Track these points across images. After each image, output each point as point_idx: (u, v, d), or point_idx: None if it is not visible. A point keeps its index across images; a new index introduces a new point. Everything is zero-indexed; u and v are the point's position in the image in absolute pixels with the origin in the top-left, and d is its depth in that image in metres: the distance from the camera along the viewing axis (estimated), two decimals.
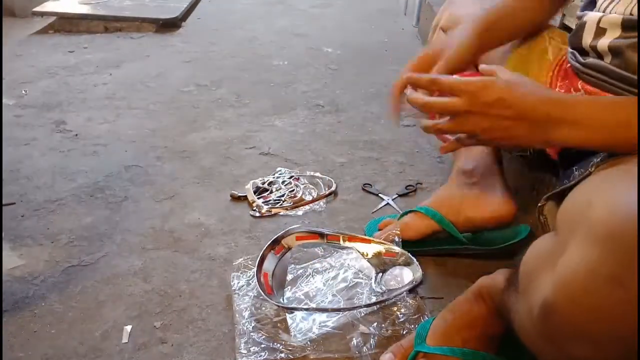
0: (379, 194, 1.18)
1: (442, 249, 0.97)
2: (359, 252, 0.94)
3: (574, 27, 0.80)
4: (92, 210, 1.12)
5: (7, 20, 2.42)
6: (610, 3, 0.71)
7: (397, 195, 1.17)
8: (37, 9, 2.37)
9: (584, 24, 0.75)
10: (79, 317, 0.85)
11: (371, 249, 0.94)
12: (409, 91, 0.72)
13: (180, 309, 0.87)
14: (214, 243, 1.03)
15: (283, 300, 0.87)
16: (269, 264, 0.90)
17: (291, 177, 1.24)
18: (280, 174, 1.25)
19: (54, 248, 1.00)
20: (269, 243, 0.92)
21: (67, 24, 2.36)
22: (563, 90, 0.82)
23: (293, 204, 1.14)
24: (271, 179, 1.23)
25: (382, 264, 0.92)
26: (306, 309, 0.85)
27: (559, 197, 0.63)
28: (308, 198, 1.16)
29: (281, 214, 1.12)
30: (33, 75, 1.85)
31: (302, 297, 0.88)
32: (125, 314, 0.85)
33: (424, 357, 0.71)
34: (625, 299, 0.39)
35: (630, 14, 0.67)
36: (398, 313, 0.85)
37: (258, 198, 1.15)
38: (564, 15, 1.76)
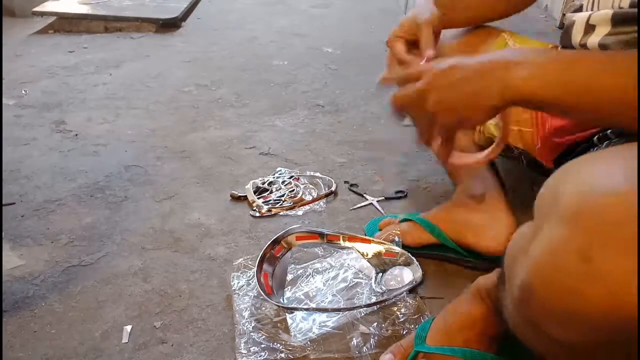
0: (364, 194, 1.18)
1: (441, 254, 0.97)
2: (359, 252, 0.94)
3: (563, 30, 0.80)
4: (92, 210, 1.12)
5: (7, 20, 2.42)
6: (594, 3, 0.71)
7: (383, 198, 1.17)
8: (37, 9, 2.37)
9: (573, 23, 0.75)
10: (79, 317, 0.85)
11: (371, 249, 0.94)
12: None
13: (180, 309, 0.87)
14: (214, 243, 1.03)
15: (283, 300, 0.87)
16: (269, 264, 0.90)
17: (291, 177, 1.24)
18: (280, 174, 1.25)
19: (54, 248, 1.00)
20: (269, 243, 0.92)
21: (67, 24, 2.36)
22: None
23: (293, 204, 1.14)
24: (271, 179, 1.23)
25: (382, 264, 0.92)
26: (306, 309, 0.85)
27: None
28: (308, 198, 1.17)
29: (281, 214, 1.12)
30: (33, 75, 1.85)
31: (302, 297, 0.88)
32: (125, 314, 0.85)
33: (424, 358, 0.71)
34: (591, 274, 0.39)
35: (620, 7, 0.67)
36: (398, 313, 0.85)
37: (258, 198, 1.15)
38: (563, 15, 1.76)
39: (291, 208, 1.13)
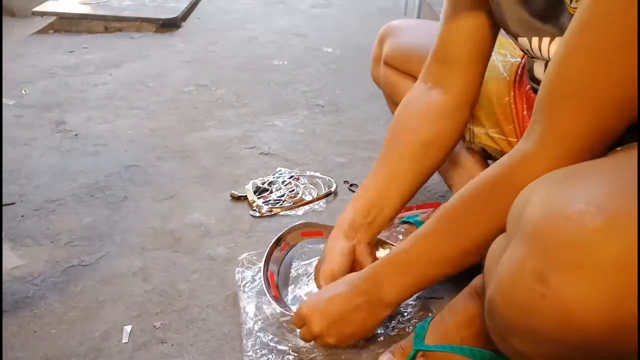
0: None
1: None
2: None
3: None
4: (92, 210, 1.12)
5: (7, 20, 2.42)
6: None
7: None
8: (37, 8, 2.37)
9: (533, 65, 0.74)
10: (79, 317, 0.85)
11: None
12: None
13: (180, 309, 0.87)
14: (214, 243, 1.03)
15: (287, 300, 0.87)
16: (275, 262, 0.89)
17: (291, 177, 1.24)
18: (280, 174, 1.25)
19: (54, 248, 1.00)
20: (274, 240, 0.91)
21: (67, 24, 2.36)
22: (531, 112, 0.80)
23: (293, 204, 1.14)
24: (271, 179, 1.23)
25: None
26: None
27: None
28: (308, 198, 1.17)
29: (281, 214, 1.12)
30: (33, 75, 1.85)
31: (304, 296, 0.88)
32: (125, 314, 0.85)
33: (423, 356, 0.71)
34: (547, 295, 0.40)
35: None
36: (403, 311, 0.84)
37: (258, 198, 1.15)
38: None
39: (291, 208, 1.13)
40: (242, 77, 1.88)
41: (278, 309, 0.80)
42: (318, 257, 0.94)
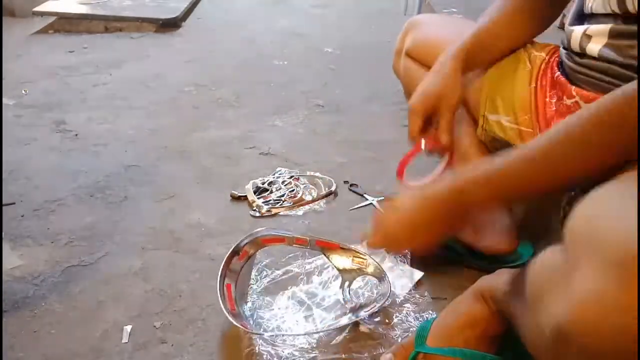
0: (364, 194, 1.18)
1: (442, 256, 0.97)
2: (326, 257, 0.90)
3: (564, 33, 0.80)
4: (92, 210, 1.11)
5: (7, 20, 2.42)
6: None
7: (383, 197, 1.16)
8: (37, 9, 2.37)
9: (571, 32, 0.75)
10: (79, 317, 0.85)
11: (339, 254, 0.89)
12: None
13: (180, 309, 0.86)
14: (214, 243, 1.02)
15: (245, 310, 0.84)
16: (232, 274, 0.86)
17: (291, 177, 1.24)
18: (280, 174, 1.25)
19: (54, 248, 1.00)
20: (232, 249, 0.87)
21: (67, 24, 2.36)
22: (554, 101, 0.81)
23: (293, 204, 1.14)
24: (271, 179, 1.23)
25: (350, 271, 0.89)
26: (274, 335, 0.80)
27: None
28: (308, 198, 1.16)
29: (281, 214, 1.12)
30: (33, 75, 1.84)
31: (302, 295, 0.88)
32: (125, 314, 0.85)
33: (424, 358, 0.71)
34: (636, 329, 0.38)
35: (612, 11, 0.67)
36: (406, 312, 0.84)
37: (258, 198, 1.15)
38: (564, 15, 1.76)
39: (291, 208, 1.13)
40: (242, 77, 1.88)
41: (235, 323, 0.77)
42: (320, 256, 0.94)
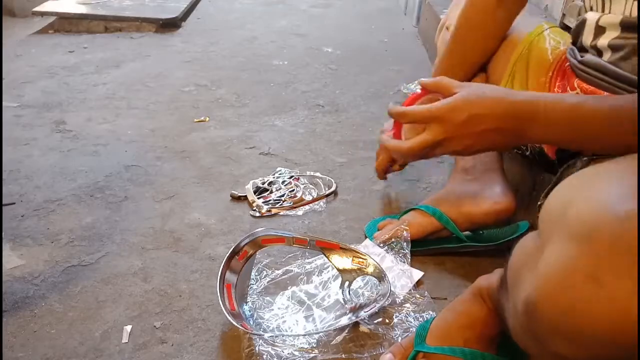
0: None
1: (441, 248, 0.97)
2: (326, 257, 0.90)
3: (573, 27, 0.81)
4: (92, 210, 1.12)
5: (7, 20, 2.42)
6: (604, 7, 0.72)
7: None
8: (37, 8, 2.37)
9: (584, 22, 0.76)
10: (79, 317, 0.85)
11: (339, 255, 0.89)
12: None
13: (180, 309, 0.86)
14: (214, 243, 1.03)
15: (244, 310, 0.84)
16: (233, 272, 0.86)
17: (291, 177, 1.24)
18: (280, 174, 1.25)
19: (54, 248, 1.00)
20: (232, 249, 0.87)
21: (67, 24, 2.36)
22: (560, 90, 0.83)
23: (293, 204, 1.14)
24: (271, 179, 1.23)
25: (350, 271, 0.88)
26: (274, 335, 0.80)
27: None
28: (308, 198, 1.16)
29: (281, 214, 1.12)
30: (33, 75, 1.85)
31: (301, 294, 0.88)
32: (125, 314, 0.85)
33: (424, 357, 0.71)
34: (600, 296, 0.39)
35: (631, 15, 0.68)
36: (405, 312, 0.84)
37: (258, 198, 1.15)
38: (564, 15, 1.77)
39: (291, 208, 1.13)
40: (242, 77, 1.88)
41: (235, 324, 0.77)
42: (320, 256, 0.94)
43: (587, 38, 0.76)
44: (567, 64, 0.84)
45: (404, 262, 0.93)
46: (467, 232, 0.98)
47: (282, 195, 1.17)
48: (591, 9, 0.76)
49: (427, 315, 0.84)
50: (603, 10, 0.73)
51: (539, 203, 0.71)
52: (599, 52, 0.74)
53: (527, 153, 0.96)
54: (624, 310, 0.38)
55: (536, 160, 0.95)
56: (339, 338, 0.80)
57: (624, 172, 0.46)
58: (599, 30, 0.73)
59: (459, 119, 0.65)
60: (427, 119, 0.67)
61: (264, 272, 0.94)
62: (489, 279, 0.73)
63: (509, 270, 0.56)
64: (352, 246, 0.90)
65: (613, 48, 0.71)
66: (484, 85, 0.69)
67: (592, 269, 0.40)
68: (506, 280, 0.58)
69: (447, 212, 0.95)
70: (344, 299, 0.86)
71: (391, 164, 1.10)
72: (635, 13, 0.68)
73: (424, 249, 0.97)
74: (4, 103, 1.61)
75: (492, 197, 0.95)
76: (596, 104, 0.60)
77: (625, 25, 0.69)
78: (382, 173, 1.11)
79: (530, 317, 0.46)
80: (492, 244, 0.96)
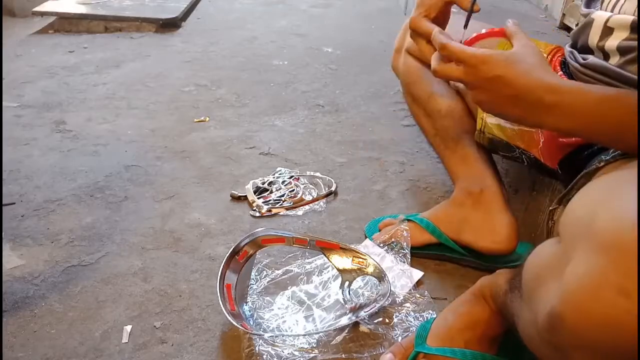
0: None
1: (441, 254, 0.97)
2: (326, 257, 0.90)
3: (574, 27, 0.80)
4: (92, 210, 1.12)
5: (7, 20, 2.42)
6: (617, 2, 0.71)
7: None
8: (37, 8, 2.37)
9: (591, 22, 0.74)
10: (79, 317, 0.85)
11: (339, 255, 0.89)
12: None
13: (180, 309, 0.86)
14: (214, 243, 1.03)
15: (244, 310, 0.84)
16: (233, 272, 0.86)
17: (291, 177, 1.24)
18: (280, 174, 1.25)
19: (54, 248, 1.00)
20: (232, 249, 0.87)
21: (67, 24, 2.36)
22: None
23: (293, 204, 1.14)
24: (271, 179, 1.23)
25: (350, 271, 0.89)
26: (274, 335, 0.80)
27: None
28: (308, 198, 1.16)
29: (281, 213, 1.12)
30: (33, 75, 1.84)
31: (301, 293, 0.88)
32: (125, 314, 0.85)
33: (424, 358, 0.71)
34: (629, 310, 0.39)
35: None
36: (405, 312, 0.84)
37: (258, 198, 1.15)
38: (564, 15, 1.76)
39: (291, 208, 1.13)
40: (242, 77, 1.88)
41: (235, 324, 0.77)
42: (320, 256, 0.94)
43: (593, 38, 0.74)
44: (559, 72, 0.82)
45: (404, 262, 0.94)
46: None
47: (282, 195, 1.17)
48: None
49: (427, 315, 0.84)
50: (612, 10, 0.72)
51: (550, 208, 0.71)
52: (605, 55, 0.73)
53: (524, 164, 0.95)
54: None
55: (534, 168, 0.93)
56: (339, 338, 0.80)
57: None
58: (607, 30, 0.72)
59: (486, 73, 0.63)
60: (462, 60, 0.65)
61: (264, 272, 0.94)
62: (492, 280, 0.73)
63: (525, 276, 0.55)
64: (352, 246, 0.90)
65: (621, 50, 0.70)
66: (530, 53, 0.65)
67: (622, 281, 0.39)
68: (519, 286, 0.57)
69: (446, 232, 0.95)
70: (344, 299, 0.86)
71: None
72: None
73: (424, 252, 0.97)
74: (4, 103, 1.61)
75: (492, 235, 0.92)
76: (621, 99, 0.58)
77: (636, 27, 0.68)
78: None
79: (554, 329, 0.45)
80: (493, 264, 0.93)
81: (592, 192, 0.48)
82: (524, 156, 0.92)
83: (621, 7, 0.69)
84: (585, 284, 0.42)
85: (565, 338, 0.44)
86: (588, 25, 0.75)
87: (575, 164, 0.75)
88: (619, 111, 0.57)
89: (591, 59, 0.74)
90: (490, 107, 0.66)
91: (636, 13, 0.68)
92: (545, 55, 0.86)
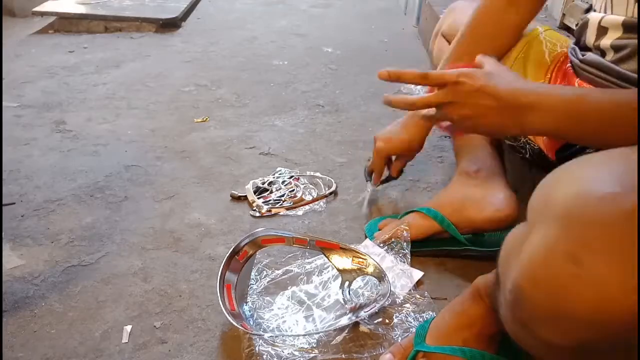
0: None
1: (442, 249, 0.97)
2: (326, 257, 0.90)
3: (574, 27, 0.83)
4: (92, 210, 1.12)
5: (7, 20, 2.42)
6: (606, 6, 0.73)
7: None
8: (37, 8, 2.37)
9: (587, 23, 0.78)
10: (79, 317, 0.85)
11: (339, 255, 0.89)
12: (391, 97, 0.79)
13: (180, 309, 0.86)
14: (214, 243, 1.03)
15: (244, 310, 0.84)
16: (233, 272, 0.86)
17: (291, 177, 1.24)
18: (280, 174, 1.25)
19: (54, 248, 1.00)
20: (232, 249, 0.87)
21: (67, 24, 2.36)
22: None
23: (293, 204, 1.14)
24: (271, 179, 1.23)
25: (350, 271, 0.88)
26: (274, 335, 0.80)
27: None
28: (308, 198, 1.16)
29: (281, 213, 1.12)
30: (33, 75, 1.85)
31: (301, 294, 0.88)
32: (125, 314, 0.85)
33: (423, 357, 0.71)
34: (580, 276, 0.39)
35: (632, 16, 0.69)
36: (405, 312, 0.84)
37: (258, 198, 1.15)
38: (564, 15, 1.77)
39: (291, 208, 1.13)
40: (242, 77, 1.88)
41: (234, 324, 0.77)
42: (320, 256, 0.94)
43: (590, 38, 0.77)
44: (568, 65, 0.84)
45: (404, 262, 0.94)
46: (468, 235, 0.97)
47: (282, 195, 1.17)
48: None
49: (427, 316, 0.84)
50: (605, 11, 0.74)
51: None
52: (602, 53, 0.75)
53: (527, 156, 0.96)
54: (602, 290, 0.38)
55: (535, 161, 0.95)
56: (339, 338, 0.80)
57: (611, 159, 0.47)
58: (602, 30, 0.74)
59: (470, 87, 0.67)
60: (445, 81, 0.69)
61: (264, 272, 0.94)
62: (486, 278, 0.73)
63: (499, 261, 0.56)
64: (352, 246, 0.90)
65: (615, 48, 0.72)
66: (505, 69, 0.71)
67: (571, 249, 0.40)
68: (498, 273, 0.58)
69: (449, 215, 0.95)
70: (344, 299, 0.86)
71: (387, 166, 1.07)
72: (636, 14, 0.68)
73: (424, 249, 0.97)
74: (4, 103, 1.61)
75: (494, 204, 0.94)
76: (598, 97, 0.61)
77: (628, 26, 0.70)
78: (378, 177, 1.06)
79: (516, 303, 0.46)
80: (493, 250, 0.94)
81: (552, 174, 0.49)
82: (527, 146, 0.93)
83: (612, 9, 0.73)
84: (539, 253, 0.43)
85: (525, 311, 0.45)
86: (585, 25, 0.79)
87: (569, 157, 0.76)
88: (583, 110, 0.60)
89: (589, 55, 0.77)
90: (474, 121, 0.69)
91: (627, 13, 0.70)
92: (565, 50, 0.89)
